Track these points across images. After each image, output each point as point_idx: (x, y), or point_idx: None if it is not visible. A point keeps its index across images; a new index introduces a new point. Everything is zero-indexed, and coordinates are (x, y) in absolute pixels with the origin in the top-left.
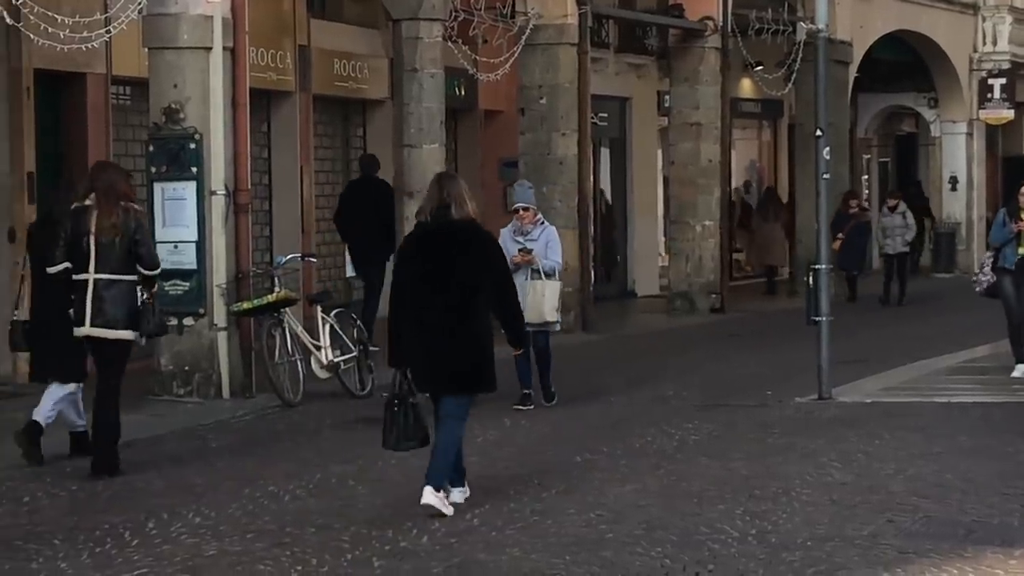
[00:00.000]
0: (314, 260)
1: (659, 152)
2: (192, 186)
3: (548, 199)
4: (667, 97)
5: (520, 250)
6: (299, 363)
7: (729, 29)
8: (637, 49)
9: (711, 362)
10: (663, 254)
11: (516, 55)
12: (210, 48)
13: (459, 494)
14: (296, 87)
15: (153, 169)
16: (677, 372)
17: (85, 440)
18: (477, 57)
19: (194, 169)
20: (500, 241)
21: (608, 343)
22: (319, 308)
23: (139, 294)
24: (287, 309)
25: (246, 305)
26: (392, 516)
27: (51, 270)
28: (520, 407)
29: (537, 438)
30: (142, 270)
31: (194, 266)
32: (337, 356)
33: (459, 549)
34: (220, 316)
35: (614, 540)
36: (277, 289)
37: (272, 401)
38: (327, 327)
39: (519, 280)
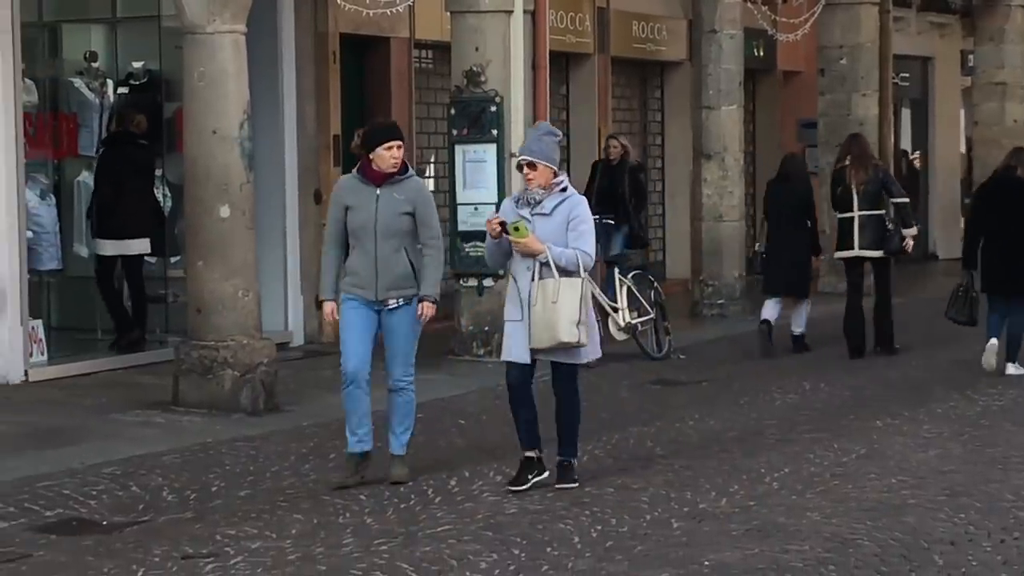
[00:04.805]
0: (611, 222)
1: (962, 112)
2: (492, 148)
3: None
4: (971, 56)
5: (501, 222)
6: (597, 324)
7: None
8: (940, 8)
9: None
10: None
11: (816, 15)
12: (511, 11)
13: (1014, 368)
14: (594, 49)
15: (454, 131)
16: (980, 336)
17: (801, 342)
18: (776, 17)
19: (494, 132)
20: (499, 212)
21: (908, 306)
22: (616, 270)
23: (887, 224)
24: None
25: None
26: (691, 478)
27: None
28: (513, 486)
29: (838, 401)
30: (892, 201)
31: None
32: (634, 318)
33: (758, 512)
34: None
35: (916, 506)
36: None
37: None
38: (624, 289)
39: (521, 276)
